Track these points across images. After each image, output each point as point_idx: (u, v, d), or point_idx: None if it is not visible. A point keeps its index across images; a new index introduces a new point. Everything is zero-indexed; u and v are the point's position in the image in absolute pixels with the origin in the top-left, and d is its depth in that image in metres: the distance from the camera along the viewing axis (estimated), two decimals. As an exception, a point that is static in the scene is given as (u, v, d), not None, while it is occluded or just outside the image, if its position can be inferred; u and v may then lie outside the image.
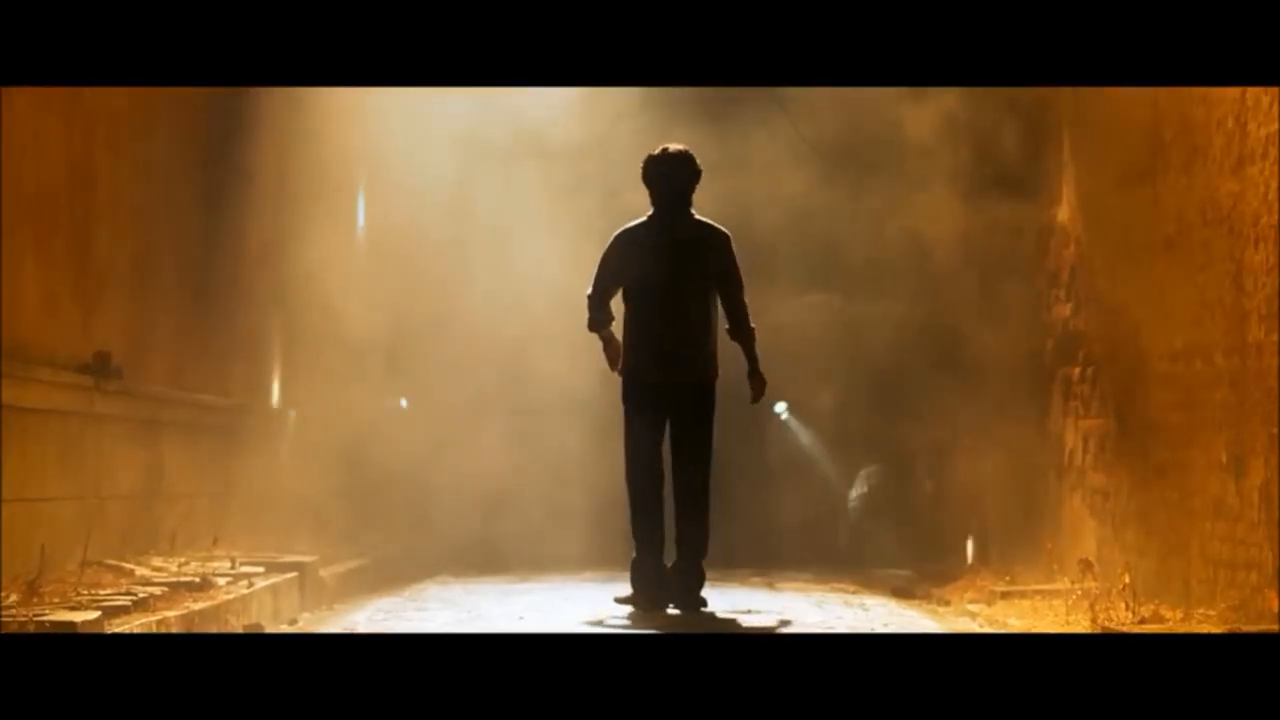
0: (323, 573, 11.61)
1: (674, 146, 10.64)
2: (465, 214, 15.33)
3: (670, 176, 10.54)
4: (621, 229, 10.61)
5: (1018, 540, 12.98)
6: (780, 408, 16.58)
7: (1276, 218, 8.30)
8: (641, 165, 10.64)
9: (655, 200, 10.60)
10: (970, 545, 13.78)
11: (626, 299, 10.58)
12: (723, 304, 10.50)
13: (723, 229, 10.58)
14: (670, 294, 10.41)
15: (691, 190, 10.58)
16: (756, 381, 10.55)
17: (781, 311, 14.53)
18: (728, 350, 10.59)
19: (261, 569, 10.72)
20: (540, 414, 15.39)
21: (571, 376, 14.35)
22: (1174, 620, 8.90)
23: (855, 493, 16.42)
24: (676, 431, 10.46)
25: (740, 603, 10.70)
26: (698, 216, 10.58)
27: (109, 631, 7.77)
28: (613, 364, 10.60)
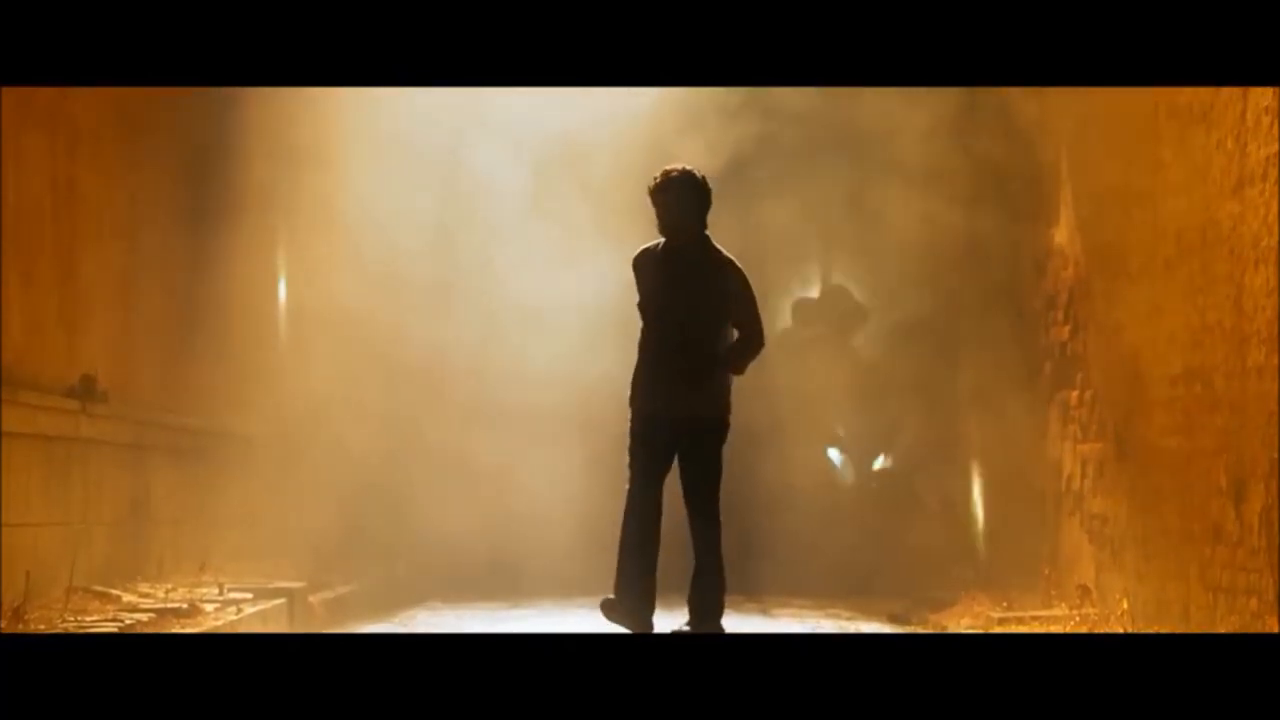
0: (311, 599, 11.51)
1: (676, 168, 10.15)
2: (459, 224, 15.23)
3: (672, 200, 10.06)
4: (636, 254, 10.24)
5: (1015, 565, 12.89)
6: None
7: (1277, 240, 8.21)
8: (647, 188, 10.26)
9: (661, 224, 10.19)
10: (967, 570, 13.70)
11: (643, 323, 10.17)
12: (738, 336, 10.11)
13: (737, 261, 10.09)
14: (669, 323, 9.99)
15: (696, 213, 10.06)
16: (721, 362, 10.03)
17: (778, 336, 14.46)
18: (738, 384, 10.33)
19: (249, 595, 10.63)
20: (533, 438, 15.29)
21: (568, 400, 14.26)
22: (1174, 647, 8.81)
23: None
24: (688, 476, 10.07)
25: (733, 629, 10.59)
26: (716, 245, 10.10)
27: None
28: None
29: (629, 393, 10.12)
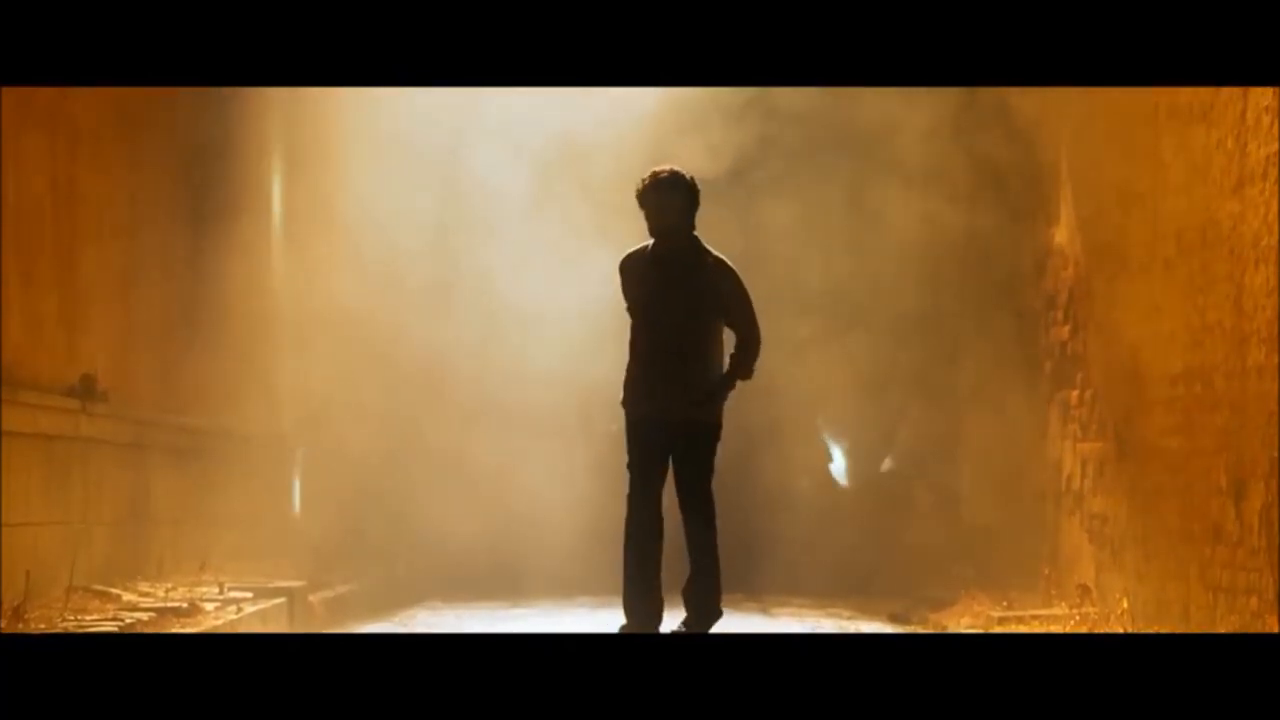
0: (311, 598, 11.50)
1: (664, 170, 10.01)
2: (458, 225, 15.21)
3: (660, 201, 9.91)
4: (623, 257, 10.16)
5: (1015, 565, 12.88)
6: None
7: (1277, 239, 8.21)
8: (635, 190, 10.22)
9: (649, 226, 10.08)
10: (967, 570, 13.69)
11: (633, 326, 10.11)
12: (735, 340, 10.04)
13: (728, 261, 10.02)
14: (659, 325, 9.94)
15: (685, 213, 9.96)
16: (710, 396, 9.95)
17: (778, 339, 14.44)
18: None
19: (250, 594, 10.62)
20: (533, 439, 15.29)
21: (568, 400, 14.25)
22: (1174, 647, 8.81)
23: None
24: (680, 475, 9.98)
25: (733, 629, 10.59)
26: (706, 245, 10.02)
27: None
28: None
29: (621, 395, 10.10)
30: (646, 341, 10.00)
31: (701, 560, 9.93)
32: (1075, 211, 11.93)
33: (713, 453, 10.03)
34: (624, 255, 10.14)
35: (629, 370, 10.08)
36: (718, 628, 9.95)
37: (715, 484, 10.17)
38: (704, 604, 9.91)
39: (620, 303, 10.30)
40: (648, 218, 10.03)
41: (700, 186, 10.05)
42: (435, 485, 14.98)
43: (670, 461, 9.99)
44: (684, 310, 9.96)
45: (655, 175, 10.00)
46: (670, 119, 13.49)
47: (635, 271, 10.05)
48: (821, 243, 15.41)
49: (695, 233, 10.05)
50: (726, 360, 10.04)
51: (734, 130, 14.40)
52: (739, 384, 10.08)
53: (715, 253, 10.06)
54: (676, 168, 10.08)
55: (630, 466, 10.00)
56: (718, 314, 10.00)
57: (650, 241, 10.07)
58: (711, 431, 10.01)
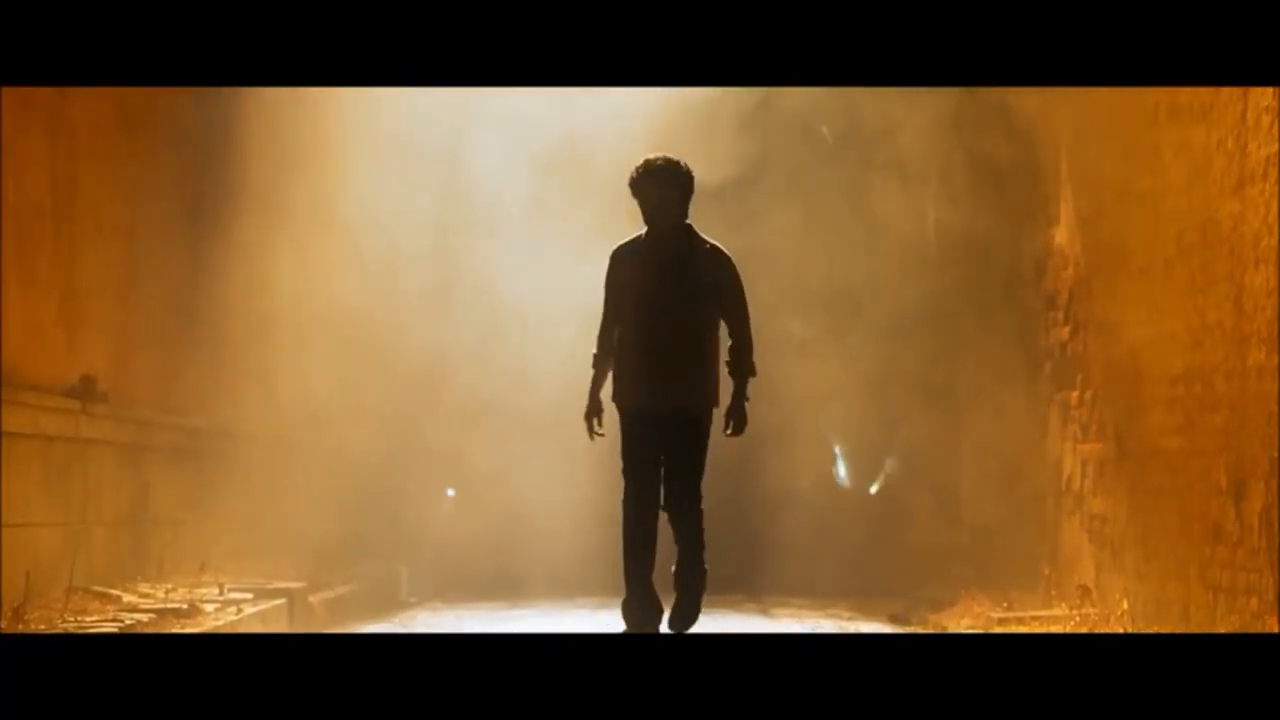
0: (312, 599, 11.50)
1: (660, 157, 9.96)
2: (458, 225, 15.21)
3: (654, 191, 9.88)
4: (616, 247, 10.12)
5: (1015, 565, 12.88)
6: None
7: (1277, 239, 8.21)
8: (628, 179, 10.08)
9: (643, 216, 10.01)
10: (967, 570, 13.70)
11: (619, 321, 10.04)
12: (727, 332, 10.08)
13: (724, 249, 9.99)
14: (655, 316, 9.87)
15: (680, 203, 9.92)
16: (737, 418, 9.96)
17: (779, 339, 14.45)
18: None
19: (250, 595, 10.62)
20: (533, 439, 15.27)
21: (569, 398, 14.24)
22: (1174, 647, 8.80)
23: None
24: (674, 471, 9.90)
25: (732, 630, 10.59)
26: (700, 234, 9.99)
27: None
28: (586, 415, 10.06)
29: (613, 389, 10.03)
30: (645, 336, 9.92)
31: (688, 555, 9.89)
32: (1075, 211, 11.93)
33: (706, 448, 9.96)
34: (617, 245, 10.10)
35: (622, 365, 9.98)
36: (717, 626, 9.97)
37: (716, 485, 10.16)
38: (690, 600, 9.87)
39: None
40: (642, 206, 9.97)
41: (694, 173, 9.99)
42: (435, 486, 14.96)
43: (666, 458, 9.94)
44: (681, 304, 9.91)
45: (649, 163, 9.94)
46: (672, 118, 13.47)
47: (631, 263, 9.97)
48: (822, 243, 15.41)
49: (689, 221, 10.03)
50: (724, 353, 10.02)
51: (736, 130, 14.41)
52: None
53: (710, 241, 10.01)
54: (671, 155, 10.04)
55: (625, 472, 9.92)
56: (715, 306, 9.95)
57: (643, 231, 10.02)
58: (705, 426, 9.94)
